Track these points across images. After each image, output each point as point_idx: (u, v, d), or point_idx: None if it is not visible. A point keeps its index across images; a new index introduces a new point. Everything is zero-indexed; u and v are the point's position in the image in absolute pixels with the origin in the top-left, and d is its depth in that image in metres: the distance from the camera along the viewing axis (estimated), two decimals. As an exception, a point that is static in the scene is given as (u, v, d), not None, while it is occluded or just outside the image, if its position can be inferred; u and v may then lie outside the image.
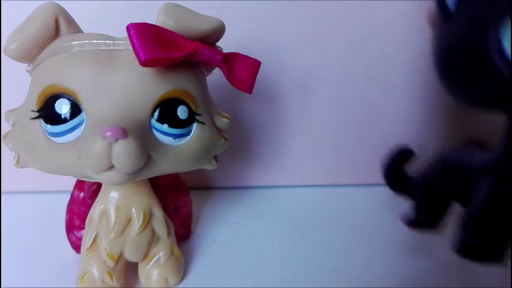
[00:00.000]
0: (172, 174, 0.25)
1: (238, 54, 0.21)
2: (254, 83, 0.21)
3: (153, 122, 0.18)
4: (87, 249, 0.21)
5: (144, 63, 0.17)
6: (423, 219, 0.23)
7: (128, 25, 0.17)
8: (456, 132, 0.34)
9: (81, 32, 0.20)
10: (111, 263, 0.21)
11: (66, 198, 0.25)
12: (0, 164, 0.33)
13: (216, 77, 0.22)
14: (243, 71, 0.20)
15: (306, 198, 0.34)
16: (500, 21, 0.14)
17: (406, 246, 0.27)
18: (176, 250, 0.23)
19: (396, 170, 0.23)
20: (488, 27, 0.14)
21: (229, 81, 0.20)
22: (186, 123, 0.19)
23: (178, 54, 0.18)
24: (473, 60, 0.15)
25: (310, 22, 0.31)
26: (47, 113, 0.18)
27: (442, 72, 0.17)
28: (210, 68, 0.21)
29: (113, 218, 0.20)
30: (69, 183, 0.24)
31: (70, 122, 0.18)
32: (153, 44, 0.17)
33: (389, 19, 0.31)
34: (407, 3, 0.31)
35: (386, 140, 0.25)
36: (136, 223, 0.21)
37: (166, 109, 0.18)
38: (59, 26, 0.19)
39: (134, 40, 0.17)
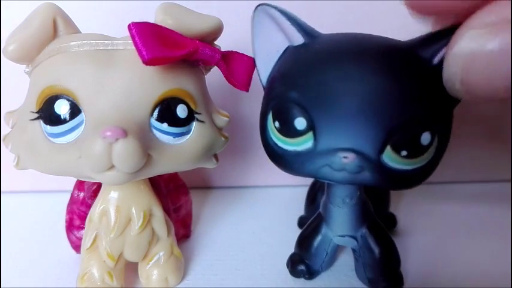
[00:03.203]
0: (172, 174, 0.25)
1: (236, 52, 0.21)
2: (251, 80, 0.21)
3: (153, 121, 0.18)
4: (87, 249, 0.21)
5: (148, 62, 0.17)
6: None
7: (129, 24, 0.17)
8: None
9: (79, 32, 0.20)
10: (111, 263, 0.21)
11: (66, 198, 0.25)
12: (0, 164, 0.33)
13: (215, 76, 0.22)
14: (240, 69, 0.20)
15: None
16: (269, 110, 0.17)
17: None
18: (176, 250, 0.23)
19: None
20: (266, 112, 0.18)
21: (227, 79, 0.20)
22: (186, 122, 0.19)
23: (180, 53, 0.18)
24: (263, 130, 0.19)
25: (309, 22, 0.31)
26: (47, 113, 0.18)
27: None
28: (208, 66, 0.21)
29: (113, 218, 0.20)
30: (69, 183, 0.24)
31: (70, 122, 0.18)
32: (155, 42, 0.17)
33: (391, 20, 0.31)
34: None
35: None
36: (136, 223, 0.21)
37: (165, 108, 0.18)
38: (57, 27, 0.19)
39: (136, 39, 0.17)
